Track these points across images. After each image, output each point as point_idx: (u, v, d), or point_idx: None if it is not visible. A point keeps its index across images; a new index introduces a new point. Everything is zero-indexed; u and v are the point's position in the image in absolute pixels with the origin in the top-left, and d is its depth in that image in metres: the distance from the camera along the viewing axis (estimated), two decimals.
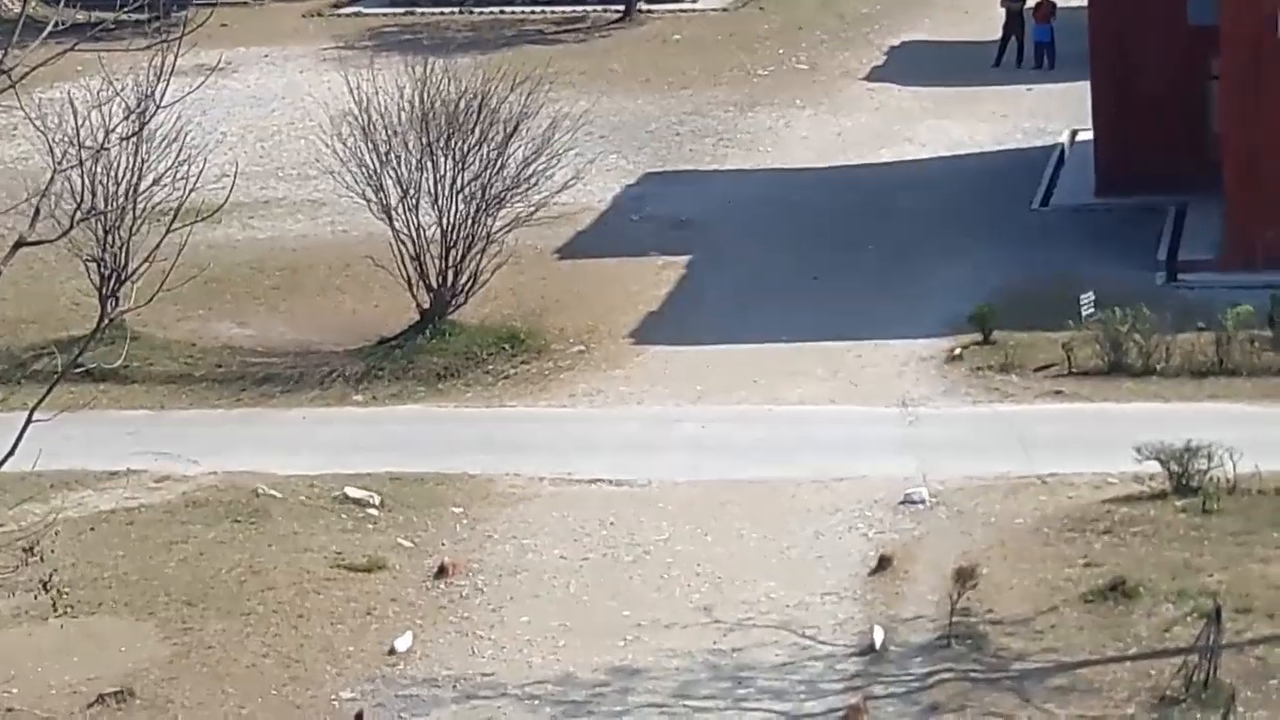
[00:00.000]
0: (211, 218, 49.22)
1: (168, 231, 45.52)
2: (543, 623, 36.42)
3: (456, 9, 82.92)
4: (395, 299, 50.10)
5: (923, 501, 40.32)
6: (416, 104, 50.32)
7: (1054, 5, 71.22)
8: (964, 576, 36.64)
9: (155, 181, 47.35)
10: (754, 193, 60.32)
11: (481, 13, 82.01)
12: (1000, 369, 46.48)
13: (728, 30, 79.09)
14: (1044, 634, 34.91)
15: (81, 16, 46.32)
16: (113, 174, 45.20)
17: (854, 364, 46.49)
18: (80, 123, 41.11)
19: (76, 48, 28.39)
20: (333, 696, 34.07)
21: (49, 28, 26.13)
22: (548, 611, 36.91)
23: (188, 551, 39.43)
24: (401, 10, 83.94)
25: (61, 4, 38.64)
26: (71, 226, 28.20)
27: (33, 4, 59.73)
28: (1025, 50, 72.35)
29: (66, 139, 40.33)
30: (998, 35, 73.02)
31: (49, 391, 24.91)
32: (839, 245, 53.69)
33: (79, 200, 39.60)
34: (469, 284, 49.94)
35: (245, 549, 39.47)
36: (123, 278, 47.06)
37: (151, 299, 45.12)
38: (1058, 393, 45.33)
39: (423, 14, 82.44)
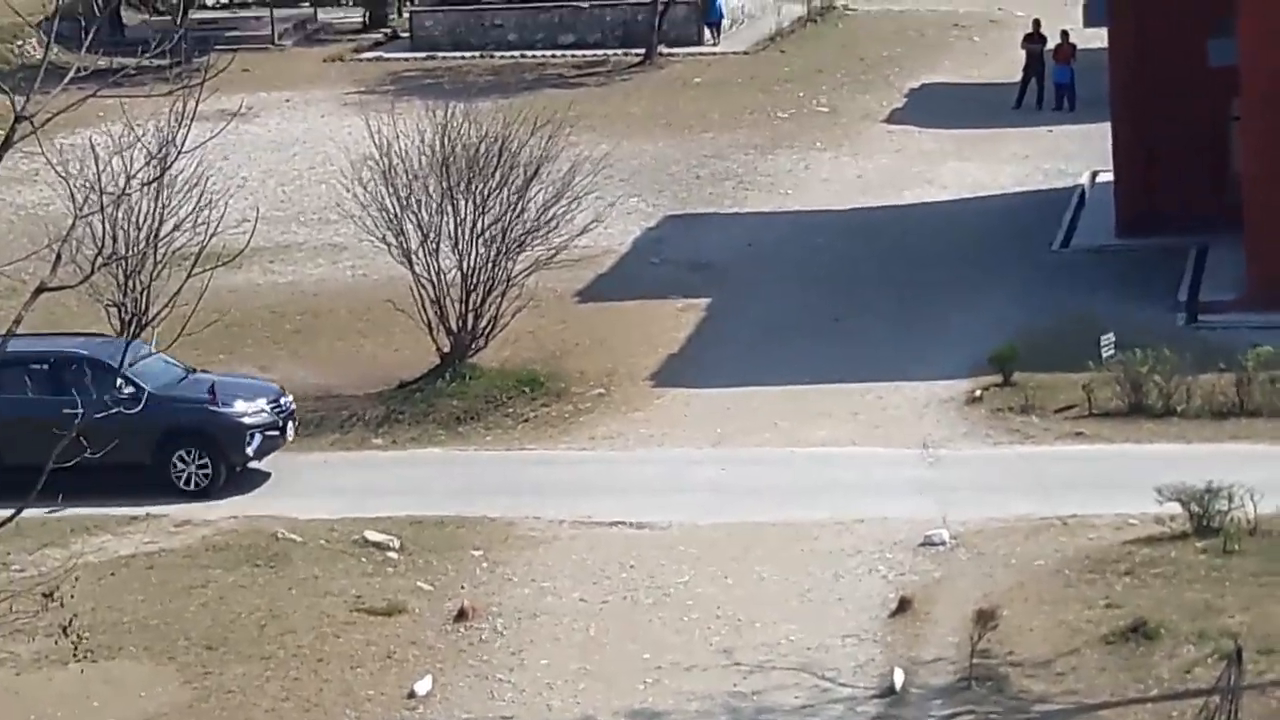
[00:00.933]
0: (232, 262, 49.96)
1: (188, 276, 45.92)
2: (562, 666, 36.45)
3: (478, 54, 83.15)
4: (415, 343, 50.22)
5: (943, 543, 40.33)
6: (437, 148, 50.39)
7: (1074, 47, 71.22)
8: (984, 618, 36.70)
9: (176, 226, 47.42)
10: (774, 235, 60.38)
11: (502, 57, 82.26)
12: (1021, 410, 46.47)
13: (748, 73, 79.17)
14: (1065, 676, 34.92)
15: (104, 63, 46.96)
16: (134, 219, 45.34)
17: (874, 406, 46.51)
18: (101, 168, 40.95)
19: (98, 94, 28.50)
20: None
21: (70, 74, 26.28)
22: (567, 654, 36.91)
23: (207, 596, 39.45)
24: (423, 55, 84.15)
25: (84, 50, 39.03)
26: (93, 271, 28.36)
27: (55, 51, 60.40)
28: (1046, 92, 72.42)
29: (88, 184, 40.13)
30: (1018, 77, 73.12)
31: (69, 436, 25.06)
32: (860, 287, 53.73)
33: (100, 245, 39.72)
34: (489, 327, 50.15)
35: (265, 593, 39.50)
36: (144, 322, 47.10)
37: (173, 343, 46.00)
38: (1078, 434, 45.32)
39: (444, 58, 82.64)
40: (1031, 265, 56.19)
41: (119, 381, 42.45)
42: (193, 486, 42.83)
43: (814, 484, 43.47)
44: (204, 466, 42.80)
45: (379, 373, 50.31)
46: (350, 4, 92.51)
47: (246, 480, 44.90)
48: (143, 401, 39.98)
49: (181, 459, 42.99)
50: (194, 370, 45.08)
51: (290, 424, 44.99)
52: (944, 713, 34.06)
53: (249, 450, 43.78)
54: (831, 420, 44.66)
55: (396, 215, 49.99)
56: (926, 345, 50.35)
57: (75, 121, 31.26)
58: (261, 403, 44.56)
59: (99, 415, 40.79)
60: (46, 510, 39.12)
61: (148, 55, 45.41)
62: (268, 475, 43.05)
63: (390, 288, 51.05)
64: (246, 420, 43.54)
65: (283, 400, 45.37)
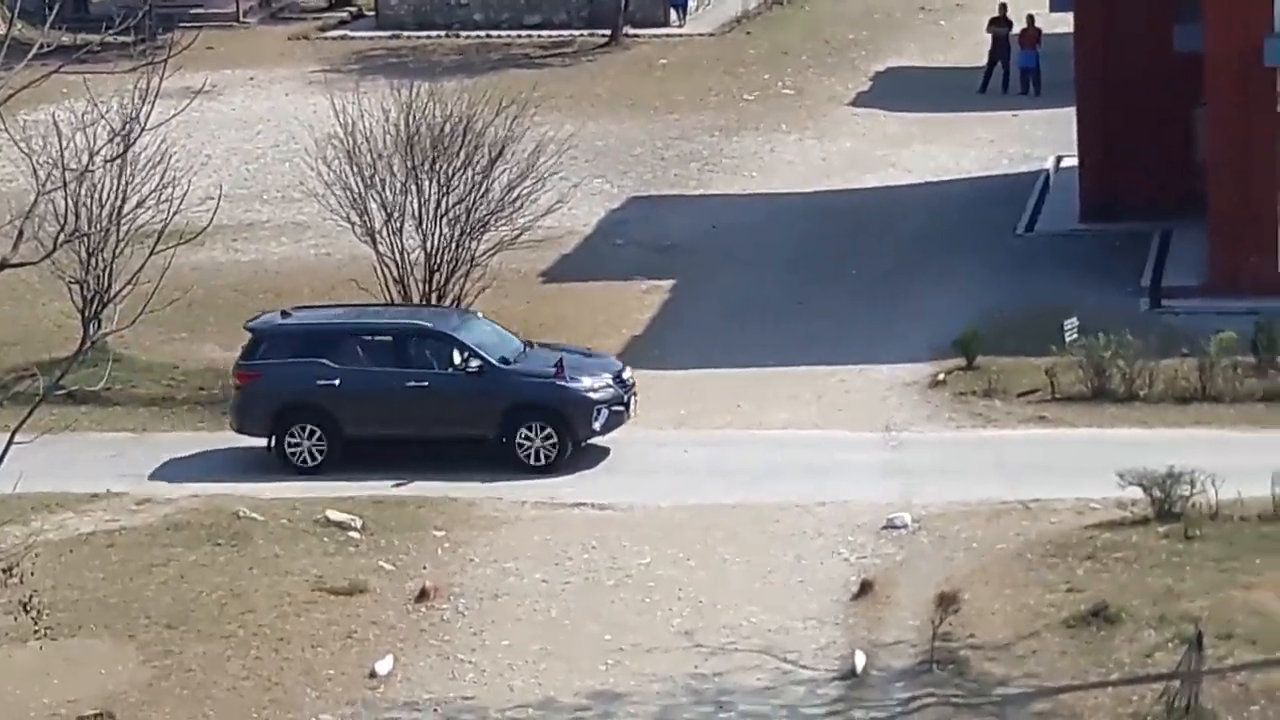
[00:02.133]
0: (195, 240, 49.74)
1: (151, 254, 45.89)
2: (524, 646, 36.46)
3: (443, 33, 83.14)
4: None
5: (905, 526, 40.56)
6: (401, 127, 50.59)
7: (1040, 31, 71.42)
8: (946, 602, 36.81)
9: (139, 204, 47.40)
10: (739, 218, 60.50)
11: (468, 37, 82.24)
12: (984, 394, 46.77)
13: (714, 55, 79.26)
14: (1026, 659, 35.02)
15: (67, 39, 46.70)
16: (97, 196, 45.30)
17: (837, 388, 46.78)
18: (65, 145, 41.11)
19: (62, 70, 28.61)
20: (313, 719, 34.29)
21: (34, 50, 26.26)
22: (529, 635, 36.95)
23: (168, 574, 39.46)
24: (388, 34, 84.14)
25: (47, 26, 38.74)
26: (55, 249, 28.49)
27: (19, 26, 60.03)
28: (1011, 76, 72.66)
29: (50, 161, 40.35)
30: (984, 61, 73.31)
31: (30, 414, 25.06)
32: (823, 270, 53.90)
33: (62, 222, 39.68)
34: (453, 307, 50.16)
35: (226, 572, 39.52)
36: (106, 300, 47.04)
37: (134, 321, 45.53)
38: (1041, 418, 45.67)
39: (409, 37, 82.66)
40: (995, 250, 56.48)
41: (464, 355, 43.98)
42: (541, 461, 43.13)
43: (776, 466, 43.69)
44: (550, 440, 43.21)
45: None
46: None
47: (208, 459, 45.02)
48: (488, 375, 43.24)
49: (528, 433, 43.18)
50: (531, 343, 45.48)
51: (634, 400, 45.04)
52: (905, 695, 34.16)
53: (595, 426, 43.90)
54: (794, 403, 44.82)
55: (360, 195, 50.20)
56: (890, 329, 50.67)
57: (38, 98, 31.31)
58: (606, 378, 44.65)
59: (445, 389, 43.38)
60: (393, 484, 42.86)
61: (112, 31, 45.34)
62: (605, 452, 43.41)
63: (354, 267, 51.19)
64: (594, 395, 43.88)
65: (625, 375, 45.36)
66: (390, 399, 43.62)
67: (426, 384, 43.52)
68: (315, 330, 45.02)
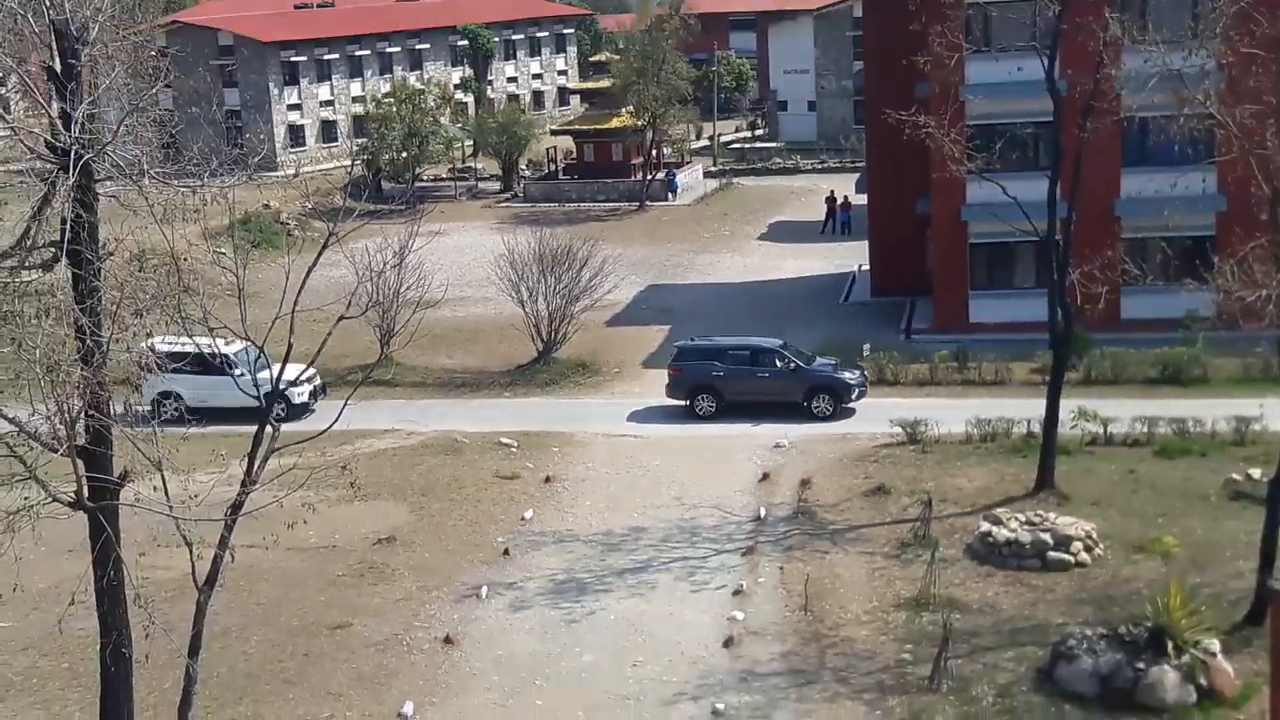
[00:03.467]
0: (434, 305, 50.40)
1: (413, 312, 46.44)
2: (596, 505, 37.18)
3: (557, 204, 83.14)
4: (525, 346, 50.34)
5: (785, 446, 40.69)
6: (537, 249, 50.61)
7: (849, 202, 70.68)
8: (804, 484, 37.69)
9: (407, 287, 47.66)
10: (703, 294, 60.54)
11: (570, 207, 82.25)
12: None
13: (690, 215, 79.27)
14: (844, 511, 35.50)
15: (372, 206, 46.19)
16: (387, 284, 45.53)
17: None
18: (371, 259, 41.48)
19: (369, 222, 28.54)
20: (493, 540, 34.68)
21: (356, 212, 26.27)
22: (598, 499, 37.53)
23: (422, 469, 40.26)
24: (530, 204, 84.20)
25: (363, 199, 38.65)
26: (366, 309, 28.46)
27: (348, 201, 59.11)
28: (836, 225, 72.04)
29: (366, 267, 40.68)
30: (822, 217, 73.07)
31: (355, 390, 25.26)
32: (747, 320, 53.70)
33: (370, 297, 39.97)
34: (560, 339, 50.29)
35: (449, 467, 40.35)
36: (392, 334, 47.36)
37: (405, 344, 45.53)
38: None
39: (540, 206, 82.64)
40: (829, 310, 56.35)
41: (785, 360, 43.82)
42: (824, 416, 42.50)
43: (724, 420, 43.69)
44: (829, 404, 42.92)
45: (508, 360, 50.59)
46: (493, 178, 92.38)
47: (441, 413, 45.26)
48: (798, 371, 43.53)
49: (818, 401, 42.89)
50: (814, 356, 44.89)
51: (866, 386, 44.01)
52: (784, 529, 34.69)
53: (853, 397, 43.14)
54: None
55: (515, 283, 50.22)
56: None
57: (358, 236, 31.39)
58: (857, 374, 43.95)
59: (776, 378, 43.73)
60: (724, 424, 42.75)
61: (394, 204, 44.73)
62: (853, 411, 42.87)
63: (513, 320, 51.32)
64: (851, 382, 43.37)
65: (864, 373, 44.53)
66: (748, 382, 43.71)
67: (767, 375, 43.72)
68: (708, 348, 44.69)
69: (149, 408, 40.90)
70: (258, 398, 22.10)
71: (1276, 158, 27.70)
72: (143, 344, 21.47)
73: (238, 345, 27.55)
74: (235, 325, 21.48)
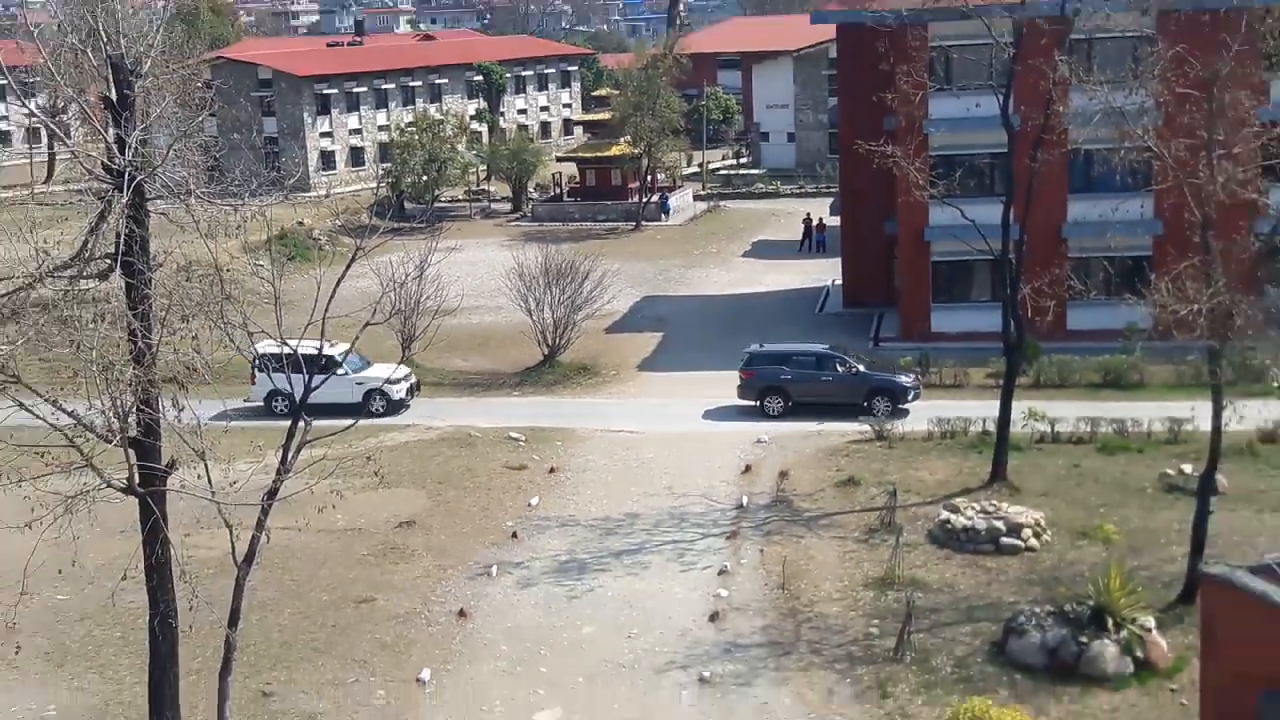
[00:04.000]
0: (450, 314, 50.18)
1: (430, 319, 46.16)
2: (596, 493, 37.12)
3: (562, 223, 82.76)
4: (532, 351, 50.08)
5: (765, 441, 40.51)
6: (543, 263, 50.39)
7: (824, 224, 70.67)
8: (782, 475, 37.57)
9: (427, 297, 47.48)
10: (692, 305, 60.25)
11: (573, 226, 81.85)
12: None
13: (681, 234, 78.89)
14: (817, 500, 35.49)
15: (394, 224, 45.93)
16: (408, 293, 45.44)
17: (735, 380, 45.94)
18: (394, 271, 41.39)
19: (393, 239, 28.43)
20: (502, 524, 34.66)
21: (381, 229, 26.26)
22: (598, 488, 37.46)
23: (439, 460, 40.09)
24: (538, 224, 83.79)
25: (387, 218, 38.65)
26: (389, 316, 28.40)
27: (373, 219, 58.83)
28: (812, 244, 71.88)
29: (389, 278, 40.54)
30: (800, 236, 73.01)
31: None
32: (731, 328, 53.64)
33: (394, 305, 39.85)
34: (564, 345, 50.01)
35: (464, 460, 40.15)
36: (412, 339, 47.25)
37: (424, 348, 45.34)
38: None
39: (547, 225, 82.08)
40: (806, 319, 56.07)
41: (847, 365, 42.90)
42: (881, 414, 40.94)
43: (712, 415, 43.76)
44: (888, 405, 41.49)
45: (517, 363, 50.25)
46: (503, 200, 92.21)
47: (456, 409, 45.34)
48: (859, 375, 42.83)
49: (877, 402, 41.68)
50: (860, 362, 43.75)
51: (919, 390, 43.00)
52: (764, 515, 34.67)
53: (909, 398, 41.99)
54: (719, 386, 44.46)
55: (524, 294, 49.90)
56: None
57: (382, 251, 31.37)
58: (911, 378, 42.88)
59: (839, 381, 42.66)
60: (814, 421, 41.79)
61: (415, 222, 44.52)
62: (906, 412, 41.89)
63: (522, 326, 51.00)
64: (908, 385, 42.38)
65: (918, 379, 43.49)
66: (814, 385, 42.94)
67: (830, 378, 42.82)
68: (776, 353, 43.91)
69: (261, 403, 41.61)
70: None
71: (1207, 186, 27.75)
72: (255, 348, 21.74)
73: (341, 348, 27.92)
74: (272, 329, 21.53)
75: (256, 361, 37.38)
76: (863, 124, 50.82)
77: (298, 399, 20.97)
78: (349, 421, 24.30)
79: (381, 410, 43.89)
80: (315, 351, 22.66)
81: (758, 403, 43.25)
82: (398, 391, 44.29)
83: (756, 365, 43.61)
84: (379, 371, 43.74)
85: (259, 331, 21.27)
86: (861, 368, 43.03)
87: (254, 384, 42.37)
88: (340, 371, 37.96)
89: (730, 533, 33.35)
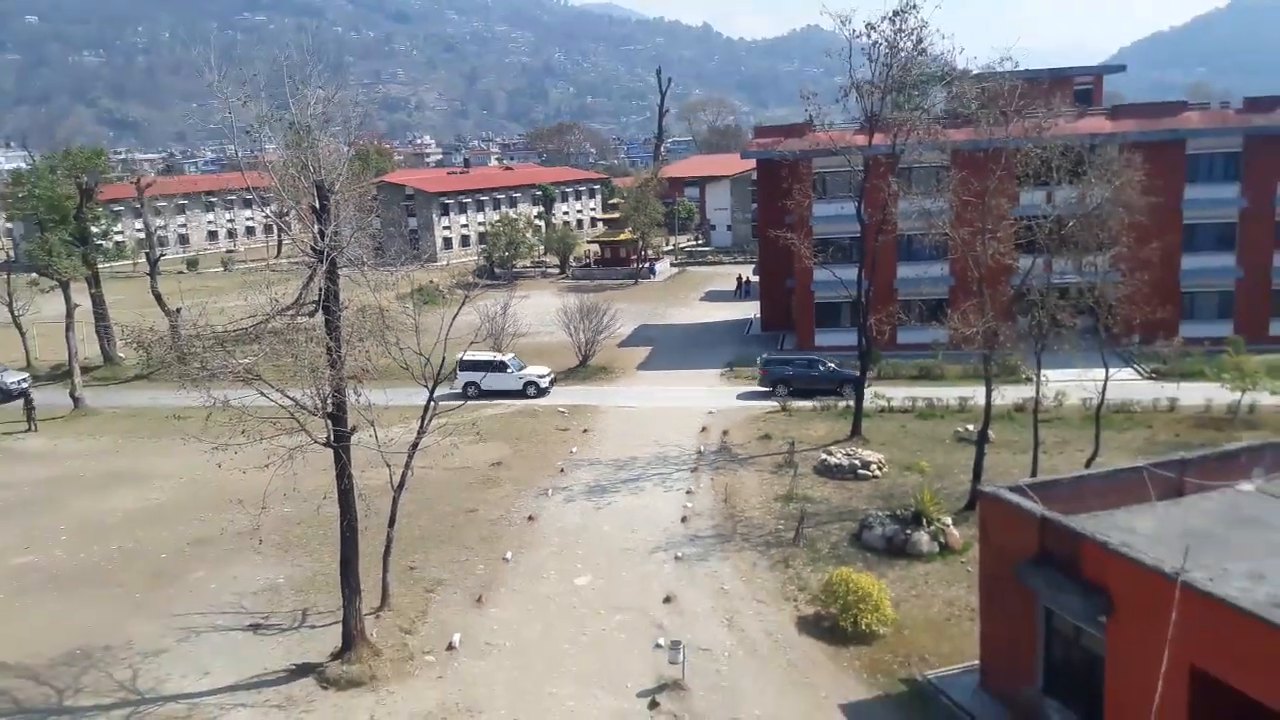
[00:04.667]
0: (523, 335, 49.25)
1: (512, 338, 44.97)
2: (612, 443, 36.43)
3: (590, 281, 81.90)
4: (572, 358, 49.16)
5: (714, 412, 39.83)
6: (578, 304, 49.82)
7: (749, 279, 70.12)
8: (725, 433, 36.68)
9: (508, 326, 46.93)
10: (670, 330, 59.41)
11: (596, 282, 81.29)
12: (737, 376, 45.34)
13: (663, 288, 78.12)
14: (747, 448, 34.86)
15: (485, 282, 44.94)
16: (497, 323, 45.26)
17: (698, 377, 45.54)
18: (488, 310, 41.13)
19: (485, 290, 28.13)
20: (555, 464, 34.09)
21: (479, 285, 25.88)
22: (613, 440, 36.81)
23: (516, 425, 39.25)
24: (577, 281, 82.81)
25: (483, 278, 38.06)
26: (485, 337, 27.99)
27: (472, 278, 57.46)
28: (742, 293, 71.18)
29: (485, 315, 40.30)
30: (734, 287, 72.47)
31: (438, 379, 24.52)
32: (694, 344, 53.20)
33: (489, 330, 39.74)
34: (592, 354, 49.05)
35: (531, 425, 39.31)
36: (501, 350, 46.93)
37: (508, 354, 44.21)
38: (751, 379, 43.91)
39: (581, 283, 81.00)
40: (738, 339, 55.29)
41: (826, 366, 40.57)
42: (847, 395, 37.70)
43: (686, 399, 42.75)
44: (851, 389, 37.80)
45: (563, 364, 49.08)
46: (555, 267, 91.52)
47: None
48: (833, 372, 40.21)
49: (844, 388, 39.18)
50: (841, 363, 41.23)
51: (866, 379, 38.29)
52: (713, 458, 34.02)
53: (863, 386, 36.08)
54: (691, 382, 44.21)
55: (567, 322, 49.20)
56: (713, 358, 49.26)
57: (481, 298, 31.04)
58: (855, 373, 37.94)
59: (825, 375, 39.82)
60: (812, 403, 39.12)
61: (499, 280, 43.96)
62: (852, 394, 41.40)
63: (565, 343, 50.29)
64: (858, 376, 36.44)
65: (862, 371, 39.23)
66: (806, 378, 40.68)
67: (817, 374, 40.52)
68: (782, 359, 41.86)
69: (460, 390, 41.42)
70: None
71: (981, 257, 27.83)
72: (458, 355, 22.08)
73: (509, 356, 29.05)
74: (411, 346, 21.53)
75: (458, 364, 39.65)
76: (773, 219, 50.91)
77: (481, 387, 20.98)
78: (514, 401, 24.22)
79: (534, 394, 42.91)
80: (493, 358, 22.65)
81: (771, 389, 41.10)
82: (545, 382, 43.21)
83: (769, 367, 41.63)
84: (532, 370, 43.22)
85: (405, 348, 21.28)
86: (835, 366, 40.89)
87: (456, 378, 42.03)
88: (509, 370, 40.96)
89: (693, 468, 32.79)
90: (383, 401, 22.36)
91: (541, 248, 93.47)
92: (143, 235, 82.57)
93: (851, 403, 37.50)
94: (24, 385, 46.91)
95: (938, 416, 37.42)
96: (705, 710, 18.85)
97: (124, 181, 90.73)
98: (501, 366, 42.39)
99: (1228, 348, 39.45)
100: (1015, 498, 17.50)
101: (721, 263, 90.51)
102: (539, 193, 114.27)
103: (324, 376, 19.33)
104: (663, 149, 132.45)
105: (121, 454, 37.69)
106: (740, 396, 42.04)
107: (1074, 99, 49.88)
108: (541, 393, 43.33)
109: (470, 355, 24.48)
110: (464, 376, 41.27)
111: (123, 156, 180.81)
